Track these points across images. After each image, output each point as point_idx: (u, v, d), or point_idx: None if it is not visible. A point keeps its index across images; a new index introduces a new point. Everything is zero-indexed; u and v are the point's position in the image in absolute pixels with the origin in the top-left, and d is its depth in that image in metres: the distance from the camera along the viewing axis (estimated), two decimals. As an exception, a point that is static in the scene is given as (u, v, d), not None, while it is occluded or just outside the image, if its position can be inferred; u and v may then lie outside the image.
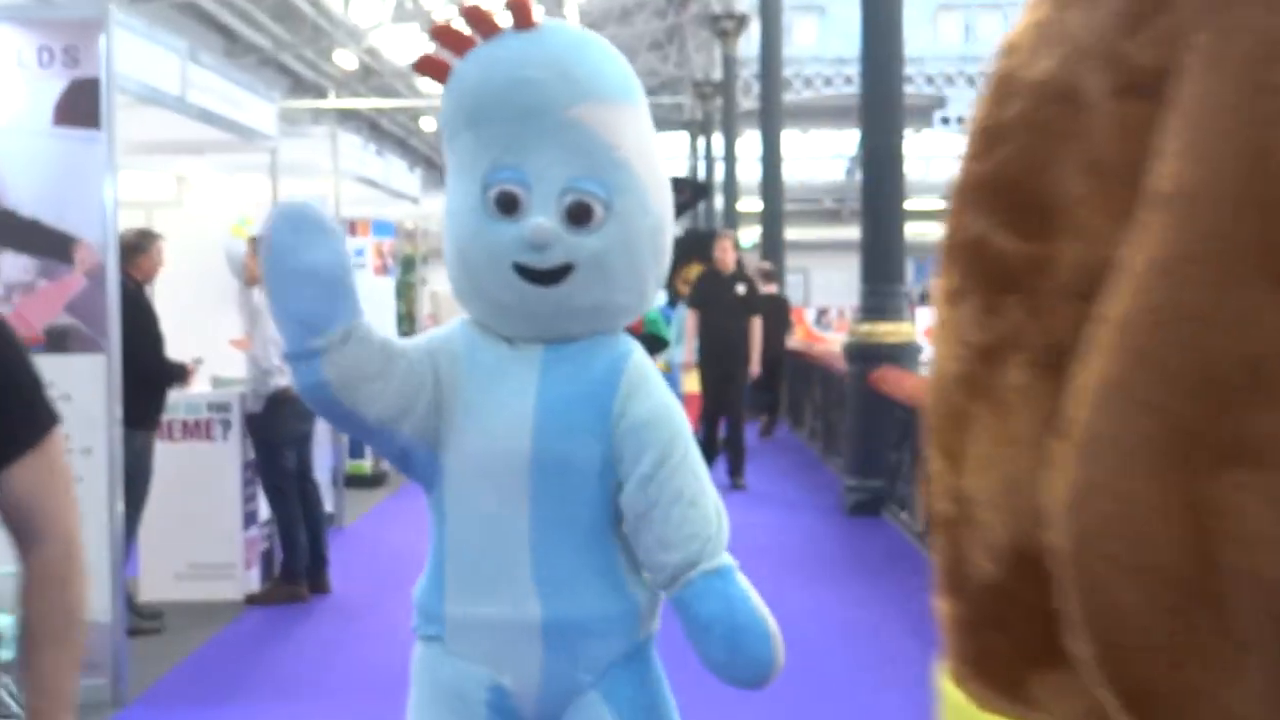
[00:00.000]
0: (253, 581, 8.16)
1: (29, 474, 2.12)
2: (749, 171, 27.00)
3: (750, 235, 26.94)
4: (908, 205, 11.28)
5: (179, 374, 7.53)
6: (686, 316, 12.50)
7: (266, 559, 8.43)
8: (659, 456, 2.66)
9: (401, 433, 2.70)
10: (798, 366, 16.69)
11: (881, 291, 10.76)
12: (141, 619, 7.21)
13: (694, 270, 13.71)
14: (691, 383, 12.45)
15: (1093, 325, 1.06)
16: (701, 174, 34.98)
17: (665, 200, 2.82)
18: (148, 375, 6.96)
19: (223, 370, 8.73)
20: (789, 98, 33.38)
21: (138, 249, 7.21)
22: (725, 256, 12.37)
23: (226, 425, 8.05)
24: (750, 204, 26.55)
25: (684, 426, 2.75)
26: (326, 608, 7.98)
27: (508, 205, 2.66)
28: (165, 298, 8.76)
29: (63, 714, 2.10)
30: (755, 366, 12.24)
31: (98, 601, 5.98)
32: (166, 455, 7.57)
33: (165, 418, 7.60)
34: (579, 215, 2.65)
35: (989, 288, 1.27)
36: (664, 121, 33.26)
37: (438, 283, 17.58)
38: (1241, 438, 0.96)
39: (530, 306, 2.69)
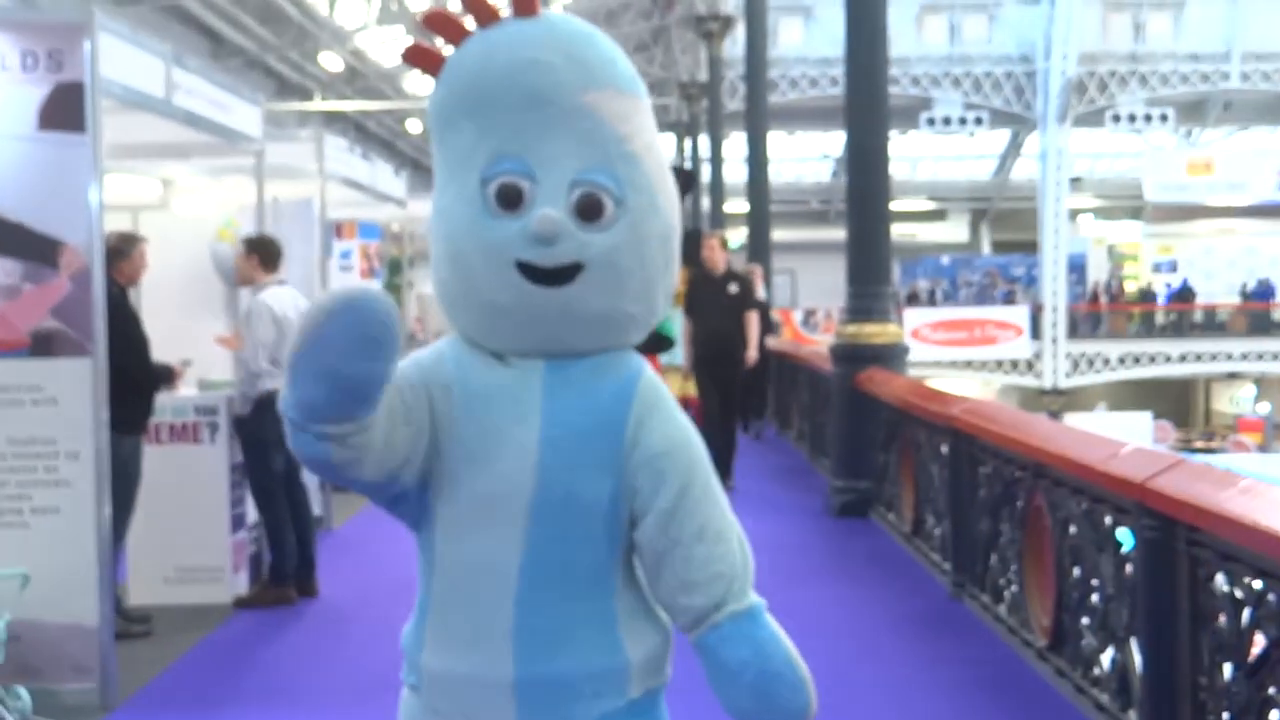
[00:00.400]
0: (241, 585, 8.15)
1: None
2: (736, 173, 27.02)
3: (737, 236, 26.98)
4: (894, 207, 11.29)
5: (165, 376, 7.52)
6: (680, 322, 12.21)
7: (254, 562, 8.42)
8: (679, 489, 2.44)
9: (398, 483, 2.43)
10: (784, 368, 16.71)
11: (867, 293, 10.77)
12: (130, 623, 7.20)
13: (683, 275, 13.66)
14: (690, 387, 12.41)
15: None
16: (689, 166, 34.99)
17: (674, 204, 2.57)
18: (134, 379, 6.94)
19: (209, 373, 8.73)
20: (775, 99, 33.47)
21: (120, 253, 7.18)
22: (714, 255, 12.25)
23: (214, 428, 8.04)
24: (737, 205, 26.58)
25: (702, 453, 2.53)
26: (315, 611, 7.97)
27: (510, 199, 2.39)
28: (152, 300, 8.76)
29: None
30: (753, 352, 12.10)
31: (86, 606, 5.99)
32: (154, 458, 7.55)
33: (152, 421, 7.58)
34: (589, 210, 2.40)
35: None
36: (650, 123, 33.12)
37: (424, 285, 17.58)
38: None
39: (533, 310, 2.40)
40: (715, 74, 28.62)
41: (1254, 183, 42.63)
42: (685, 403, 9.65)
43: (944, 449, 8.12)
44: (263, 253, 8.09)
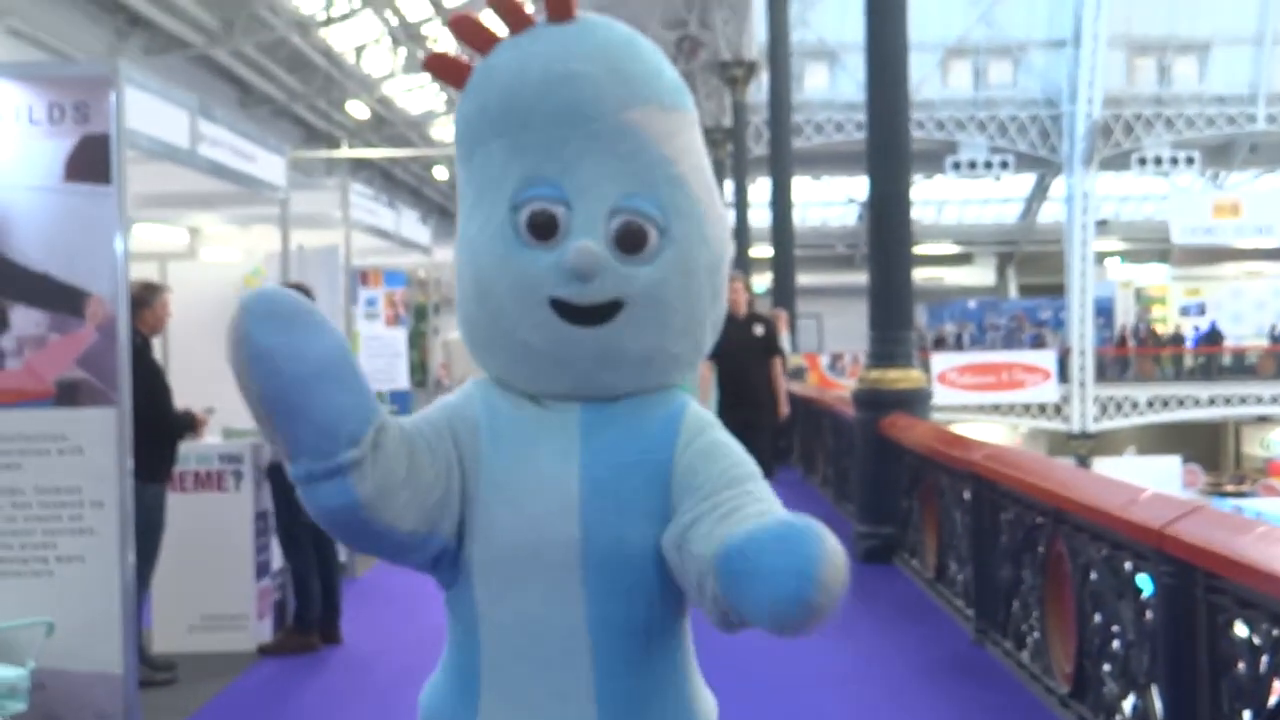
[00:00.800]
0: (265, 632, 8.17)
1: None
2: (762, 217, 27.09)
3: (762, 281, 27.02)
4: (921, 250, 11.31)
5: (188, 425, 7.57)
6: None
7: (279, 609, 8.43)
8: (723, 482, 2.16)
9: (439, 534, 2.20)
10: (809, 413, 16.69)
11: (890, 338, 10.76)
12: (154, 670, 7.22)
13: None
14: None
15: None
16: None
17: (724, 231, 2.34)
18: (157, 429, 6.99)
19: (234, 421, 8.77)
20: (800, 144, 33.57)
21: (142, 302, 7.23)
22: (737, 299, 12.01)
23: (238, 476, 8.08)
24: (763, 250, 26.63)
25: (754, 466, 2.25)
26: (339, 658, 7.98)
27: (543, 228, 2.17)
28: (180, 347, 8.85)
29: None
30: (784, 408, 12.03)
31: (110, 654, 6.02)
32: (179, 506, 7.60)
33: (177, 469, 7.63)
34: (631, 241, 2.18)
35: None
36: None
37: (450, 332, 17.66)
38: None
39: (568, 352, 2.19)
40: (740, 119, 28.70)
41: (1281, 225, 42.54)
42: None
43: (966, 495, 8.11)
44: (295, 301, 8.16)
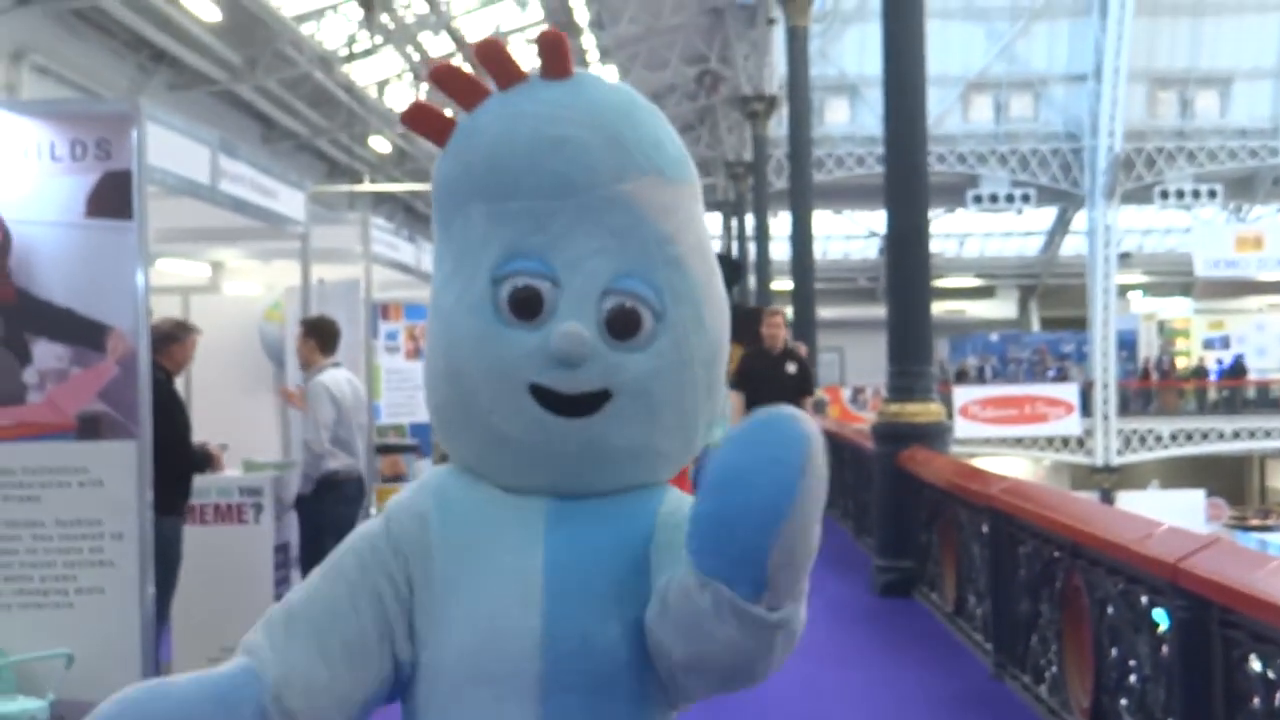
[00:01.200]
0: (284, 665, 8.17)
1: None
2: (783, 251, 27.15)
3: (783, 314, 27.02)
4: (942, 283, 11.34)
5: (204, 460, 7.60)
6: (730, 400, 11.43)
7: (298, 642, 8.44)
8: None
9: (403, 665, 2.05)
10: (829, 446, 16.65)
11: (909, 372, 10.78)
12: (173, 703, 7.22)
13: (734, 353, 13.43)
14: None
15: None
16: (734, 254, 35.15)
17: (724, 318, 2.12)
18: (176, 463, 7.03)
19: (255, 454, 8.82)
20: (821, 177, 33.64)
21: (172, 338, 7.28)
22: (776, 334, 12.03)
23: (258, 509, 8.10)
24: (784, 283, 26.69)
25: None
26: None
27: (526, 307, 1.96)
28: (202, 380, 8.89)
29: None
30: None
31: (130, 686, 6.02)
32: (199, 539, 7.62)
33: (198, 502, 7.66)
34: (623, 326, 1.96)
35: None
36: (697, 202, 33.56)
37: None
38: None
39: (547, 444, 1.98)
40: (760, 153, 28.83)
41: (1305, 258, 42.41)
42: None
43: (984, 528, 8.11)
44: (320, 336, 8.24)
